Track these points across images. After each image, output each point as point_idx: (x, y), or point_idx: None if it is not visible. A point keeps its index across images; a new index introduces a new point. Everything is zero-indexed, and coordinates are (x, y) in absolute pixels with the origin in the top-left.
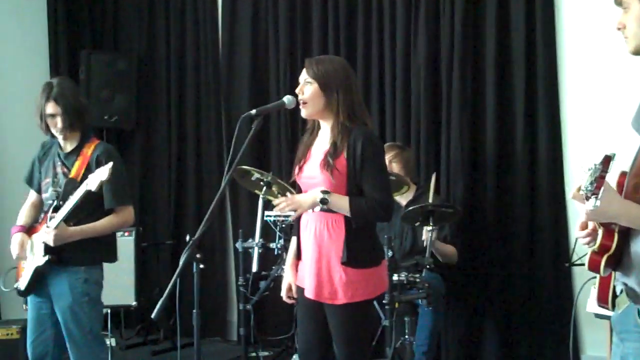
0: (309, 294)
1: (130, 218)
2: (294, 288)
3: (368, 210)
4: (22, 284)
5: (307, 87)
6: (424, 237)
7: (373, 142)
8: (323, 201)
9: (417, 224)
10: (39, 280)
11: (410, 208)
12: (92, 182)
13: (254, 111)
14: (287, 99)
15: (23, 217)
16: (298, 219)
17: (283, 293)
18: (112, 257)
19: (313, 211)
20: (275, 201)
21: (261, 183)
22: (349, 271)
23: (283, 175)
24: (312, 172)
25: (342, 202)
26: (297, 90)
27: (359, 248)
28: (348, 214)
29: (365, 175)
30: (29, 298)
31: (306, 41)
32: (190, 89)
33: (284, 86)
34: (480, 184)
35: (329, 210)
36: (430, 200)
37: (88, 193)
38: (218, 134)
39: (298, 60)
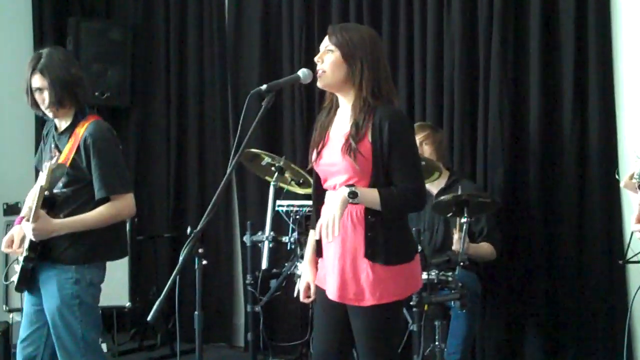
0: (332, 295)
1: (127, 208)
2: (312, 287)
3: (400, 200)
4: (15, 278)
5: (328, 55)
6: (455, 235)
7: (402, 121)
8: (352, 195)
9: (450, 215)
10: (31, 276)
11: (442, 198)
12: (43, 179)
13: (264, 86)
14: (302, 72)
15: (26, 206)
16: (317, 210)
17: (300, 293)
18: (116, 253)
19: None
20: (318, 227)
21: (272, 168)
22: (377, 268)
23: (297, 160)
24: (332, 158)
25: (371, 195)
26: (316, 58)
27: (386, 240)
28: (378, 207)
29: (394, 160)
30: (25, 293)
31: (324, 8)
32: (192, 62)
33: (298, 58)
34: (522, 171)
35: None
36: (461, 191)
37: (66, 184)
38: (224, 113)
39: (315, 30)
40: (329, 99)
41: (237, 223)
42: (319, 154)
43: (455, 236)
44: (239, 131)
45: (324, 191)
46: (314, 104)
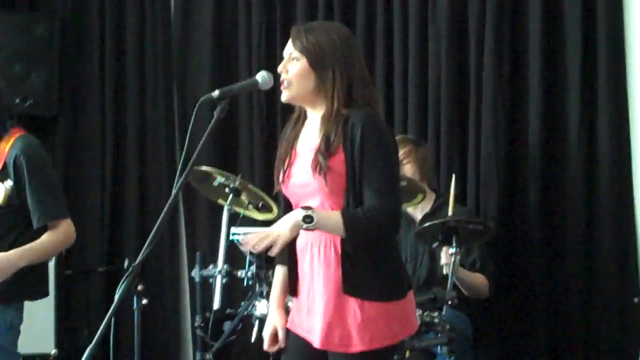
0: (316, 342)
1: (70, 236)
2: (281, 334)
3: (367, 224)
4: None
5: (293, 64)
6: (443, 262)
7: (377, 126)
8: (306, 219)
9: (436, 244)
10: None
11: (427, 224)
12: None
13: (216, 93)
14: (261, 76)
15: None
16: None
17: (266, 340)
18: (38, 291)
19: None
20: (243, 239)
21: (226, 190)
22: (365, 306)
23: (255, 179)
24: (302, 177)
25: (332, 219)
26: (279, 68)
27: (371, 273)
28: (341, 234)
29: (365, 172)
30: None
31: (287, 0)
32: (131, 63)
33: (257, 60)
34: (521, 192)
35: None
36: (451, 213)
37: None
38: (169, 124)
39: (277, 26)
40: (296, 109)
41: (184, 255)
42: (286, 174)
43: (443, 258)
44: (186, 146)
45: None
46: (275, 114)
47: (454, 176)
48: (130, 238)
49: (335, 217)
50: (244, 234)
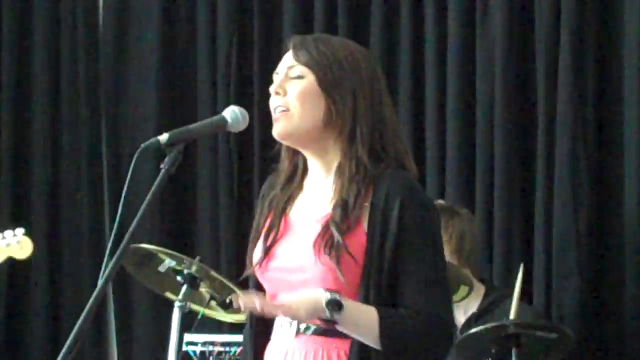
0: None
1: None
2: None
3: (414, 331)
4: None
5: (294, 83)
6: None
7: (422, 201)
8: (333, 306)
9: None
10: None
11: (475, 330)
12: None
13: (165, 136)
14: (230, 112)
15: None
16: (255, 352)
17: None
18: None
19: (297, 334)
20: (234, 297)
21: (178, 278)
22: None
23: (221, 263)
24: (297, 259)
25: (364, 315)
26: (273, 88)
27: None
28: (372, 341)
29: (403, 265)
30: None
31: (268, 2)
32: (40, 90)
33: (225, 89)
34: (612, 281)
35: (331, 333)
36: (513, 315)
37: None
38: (93, 182)
39: (254, 39)
40: (287, 158)
41: None
42: (268, 250)
43: None
44: (119, 214)
45: (266, 322)
46: (251, 167)
47: (521, 266)
48: (36, 347)
49: (368, 311)
50: (204, 343)
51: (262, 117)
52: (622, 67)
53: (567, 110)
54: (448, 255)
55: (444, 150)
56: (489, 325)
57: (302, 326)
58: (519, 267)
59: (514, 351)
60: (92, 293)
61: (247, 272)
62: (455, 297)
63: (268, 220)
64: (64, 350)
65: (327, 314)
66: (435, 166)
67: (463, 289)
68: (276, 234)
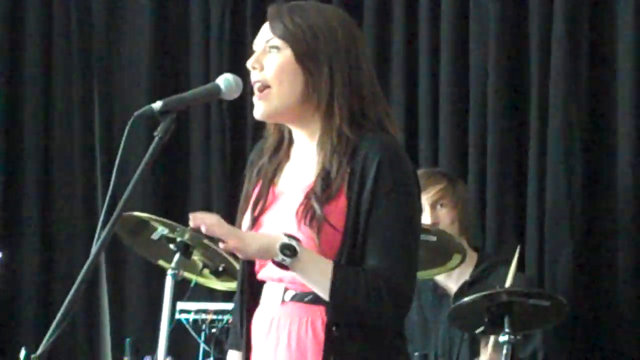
0: None
1: None
2: None
3: (365, 289)
4: None
5: (271, 56)
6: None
7: (401, 162)
8: (285, 251)
9: (481, 329)
10: None
11: (467, 299)
12: None
13: (158, 104)
14: (224, 80)
15: None
16: (242, 318)
17: None
18: None
19: (283, 301)
20: (195, 215)
21: (171, 246)
22: None
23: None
24: (279, 227)
25: (319, 265)
26: (249, 63)
27: None
28: (324, 293)
29: (372, 225)
30: None
31: None
32: (32, 61)
33: (217, 58)
34: (605, 250)
35: (317, 300)
36: (509, 283)
37: None
38: (86, 150)
39: (247, 8)
40: (275, 130)
41: (108, 342)
42: (255, 220)
43: (485, 353)
44: (112, 182)
45: (257, 285)
46: (244, 134)
47: (518, 248)
48: (28, 318)
49: (324, 265)
50: (197, 311)
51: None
52: (615, 36)
53: (560, 78)
54: (449, 222)
55: (437, 119)
56: (481, 294)
57: (289, 293)
58: (511, 235)
59: (506, 319)
60: (85, 261)
61: None
62: (449, 265)
63: (256, 190)
64: (56, 319)
65: (280, 257)
66: (428, 135)
67: (456, 257)
68: (264, 204)
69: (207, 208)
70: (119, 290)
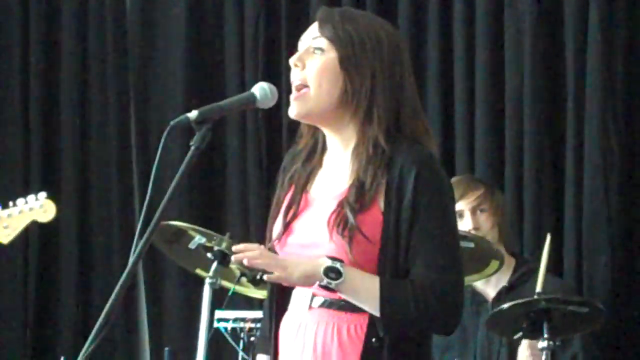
0: None
1: None
2: None
3: (416, 304)
4: None
5: (315, 57)
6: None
7: (438, 175)
8: (330, 274)
9: (519, 335)
10: None
11: (506, 305)
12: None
13: (194, 113)
14: (260, 89)
15: None
16: (271, 325)
17: None
18: None
19: (311, 307)
20: (241, 246)
21: (208, 255)
22: None
23: (252, 238)
24: (312, 235)
25: (365, 283)
26: (292, 60)
27: None
28: (373, 309)
29: (416, 237)
30: None
31: None
32: (66, 71)
33: (252, 67)
34: None
35: (344, 307)
36: (539, 286)
37: None
38: (123, 159)
39: (282, 18)
40: (308, 133)
41: (147, 352)
42: (287, 226)
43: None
44: (150, 191)
45: (286, 292)
46: (280, 143)
47: (548, 236)
48: (66, 330)
49: (370, 282)
50: (235, 320)
51: (290, 94)
52: None
53: (596, 85)
54: (489, 228)
55: (473, 128)
56: (519, 301)
57: (317, 300)
58: (546, 239)
59: (545, 325)
60: (122, 272)
61: (266, 247)
62: (486, 271)
63: (289, 196)
64: (95, 329)
65: (325, 281)
66: (464, 141)
67: (494, 264)
68: (296, 210)
69: (244, 217)
70: (157, 300)
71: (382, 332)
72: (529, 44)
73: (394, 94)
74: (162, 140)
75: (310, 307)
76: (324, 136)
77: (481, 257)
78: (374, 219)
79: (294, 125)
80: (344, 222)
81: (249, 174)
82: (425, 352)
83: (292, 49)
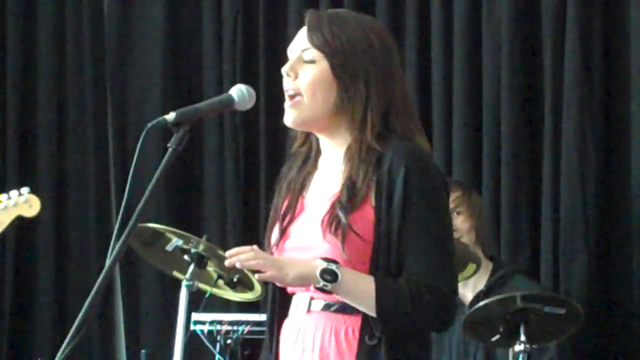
0: None
1: None
2: None
3: (412, 302)
4: None
5: (307, 68)
6: None
7: (428, 170)
8: (326, 276)
9: (496, 338)
10: None
11: (481, 303)
12: None
13: (172, 115)
14: (237, 91)
15: None
16: (272, 334)
17: None
18: None
19: (309, 311)
20: (230, 252)
21: (185, 257)
22: None
23: (229, 242)
24: (307, 238)
25: (360, 284)
26: (284, 69)
27: None
28: (369, 309)
29: (409, 237)
30: None
31: None
32: (43, 72)
33: (231, 67)
34: (619, 259)
35: (341, 310)
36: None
37: None
38: (100, 161)
39: (259, 19)
40: (301, 139)
41: (123, 355)
42: (283, 232)
43: None
44: (126, 193)
45: (286, 297)
46: (257, 146)
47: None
48: (44, 330)
49: (366, 282)
50: (212, 322)
51: (268, 95)
52: (628, 38)
53: (574, 84)
54: (466, 231)
55: (450, 130)
56: (496, 297)
57: (315, 303)
58: (526, 244)
59: (522, 327)
60: (99, 273)
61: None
62: (463, 275)
63: (286, 202)
64: (71, 330)
65: (321, 283)
66: (442, 143)
67: (470, 267)
68: (292, 215)
69: (222, 219)
70: (134, 302)
71: (379, 332)
72: (507, 45)
73: (387, 96)
74: (140, 141)
75: (308, 310)
76: (317, 140)
77: (458, 260)
78: (366, 217)
79: (272, 127)
80: (337, 221)
81: (227, 176)
82: (424, 348)
83: (270, 50)
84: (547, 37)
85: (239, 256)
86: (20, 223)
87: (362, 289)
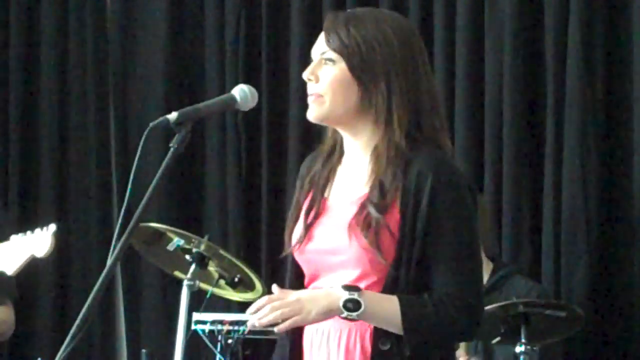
0: None
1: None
2: None
3: (438, 319)
4: None
5: (327, 69)
6: None
7: (456, 180)
8: (349, 305)
9: (497, 340)
10: None
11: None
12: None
13: (174, 115)
14: (240, 91)
15: None
16: (295, 338)
17: None
18: None
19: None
20: (252, 308)
21: (187, 256)
22: None
23: (229, 241)
24: (333, 240)
25: (385, 306)
26: (305, 74)
27: None
28: (396, 329)
29: (433, 246)
30: None
31: None
32: (46, 71)
33: (233, 66)
34: (621, 262)
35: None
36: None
37: None
38: (102, 161)
39: (262, 16)
40: (331, 135)
41: (124, 355)
42: (306, 231)
43: None
44: (128, 193)
45: None
46: (259, 146)
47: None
48: (45, 330)
49: (390, 305)
50: (213, 322)
51: (270, 95)
52: (631, 41)
53: (576, 86)
54: None
55: (452, 130)
56: (498, 304)
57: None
58: (528, 245)
59: (522, 329)
60: (100, 273)
61: (285, 252)
62: None
63: (308, 198)
64: (72, 330)
65: (345, 314)
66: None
67: None
68: (315, 214)
69: (223, 219)
70: (135, 301)
71: (409, 350)
72: (509, 47)
73: (411, 91)
74: (142, 141)
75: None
76: (342, 139)
77: None
78: (394, 218)
79: (274, 127)
80: (369, 221)
81: (228, 175)
82: (448, 353)
83: (272, 50)
84: (550, 39)
85: (259, 319)
86: (20, 223)
87: (387, 312)
